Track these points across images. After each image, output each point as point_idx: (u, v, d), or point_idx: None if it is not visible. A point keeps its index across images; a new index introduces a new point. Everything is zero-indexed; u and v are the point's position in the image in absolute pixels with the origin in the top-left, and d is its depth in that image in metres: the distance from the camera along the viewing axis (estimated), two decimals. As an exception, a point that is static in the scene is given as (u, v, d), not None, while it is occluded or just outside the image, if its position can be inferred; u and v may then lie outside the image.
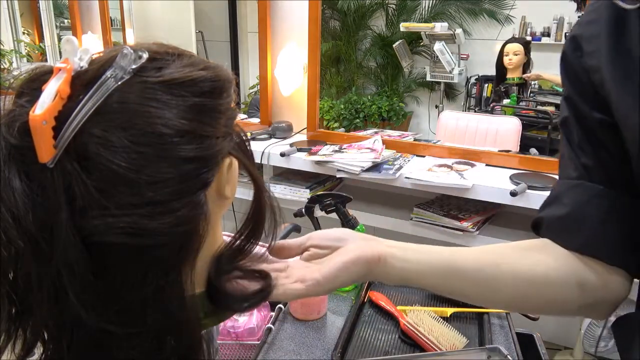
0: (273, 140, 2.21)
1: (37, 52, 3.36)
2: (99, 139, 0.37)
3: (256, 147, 2.07)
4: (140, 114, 0.38)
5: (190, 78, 0.42)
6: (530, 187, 1.61)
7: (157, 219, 0.38)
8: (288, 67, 2.26)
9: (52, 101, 0.37)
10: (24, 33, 3.33)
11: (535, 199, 1.60)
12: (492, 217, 1.87)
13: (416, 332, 0.77)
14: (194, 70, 0.42)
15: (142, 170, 0.38)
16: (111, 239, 0.38)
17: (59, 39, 3.22)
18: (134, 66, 0.39)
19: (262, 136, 2.24)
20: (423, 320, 0.79)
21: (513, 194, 1.59)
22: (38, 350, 0.43)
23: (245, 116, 2.65)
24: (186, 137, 0.40)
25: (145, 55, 0.40)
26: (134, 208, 0.38)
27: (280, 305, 0.87)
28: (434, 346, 0.74)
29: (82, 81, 0.39)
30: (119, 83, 0.38)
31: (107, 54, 0.41)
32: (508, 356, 0.65)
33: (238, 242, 0.50)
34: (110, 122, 0.38)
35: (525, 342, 0.76)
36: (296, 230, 1.57)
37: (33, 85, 0.40)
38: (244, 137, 0.50)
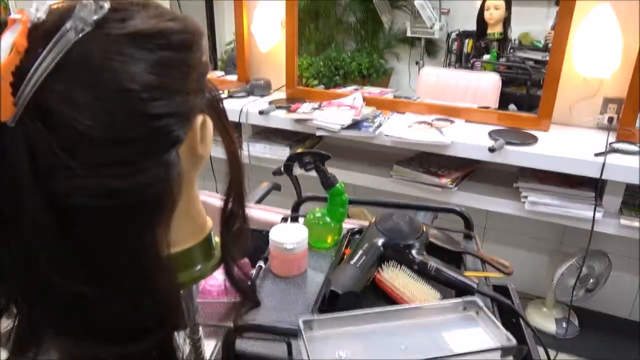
0: (251, 97, 2.17)
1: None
2: (61, 95, 0.35)
3: (234, 105, 2.03)
4: (104, 69, 0.36)
5: (157, 30, 0.39)
6: (508, 143, 1.62)
7: (127, 179, 0.37)
8: (265, 22, 2.20)
9: (8, 55, 0.35)
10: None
11: (513, 155, 1.62)
12: (470, 173, 1.89)
13: (391, 287, 0.78)
14: (160, 21, 0.40)
15: (108, 128, 0.36)
16: (79, 201, 0.37)
17: (23, -7, 3.05)
18: (95, 17, 0.37)
19: (240, 94, 2.19)
20: (398, 275, 0.80)
21: (491, 150, 1.60)
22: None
23: (222, 73, 2.58)
24: (154, 93, 0.38)
25: (107, 5, 0.37)
26: (102, 168, 0.36)
27: (261, 264, 0.87)
28: (409, 300, 0.76)
29: (40, 33, 0.36)
30: (80, 35, 0.36)
31: (66, 4, 0.38)
32: (483, 307, 0.67)
33: (229, 209, 0.51)
34: (73, 77, 0.36)
35: (500, 293, 0.78)
36: (276, 188, 1.56)
37: (-14, 39, 0.37)
38: (216, 95, 0.48)
